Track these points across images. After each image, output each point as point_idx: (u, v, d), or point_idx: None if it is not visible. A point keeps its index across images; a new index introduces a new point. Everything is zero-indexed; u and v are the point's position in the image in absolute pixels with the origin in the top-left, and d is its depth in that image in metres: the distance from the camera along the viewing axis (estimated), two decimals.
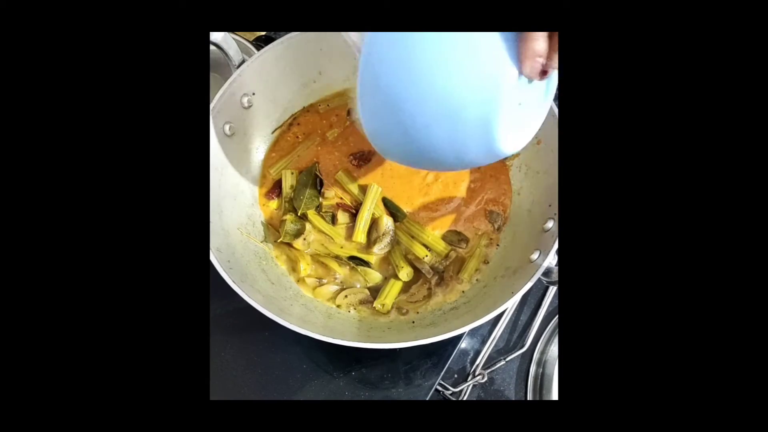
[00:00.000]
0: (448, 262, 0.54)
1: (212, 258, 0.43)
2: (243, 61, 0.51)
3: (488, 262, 0.54)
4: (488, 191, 0.57)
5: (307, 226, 0.54)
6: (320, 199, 0.56)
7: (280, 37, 0.52)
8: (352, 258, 0.54)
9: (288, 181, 0.56)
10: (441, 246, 0.54)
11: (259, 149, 0.57)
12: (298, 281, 0.54)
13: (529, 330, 0.57)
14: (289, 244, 0.55)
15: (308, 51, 0.53)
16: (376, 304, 0.52)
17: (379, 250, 0.54)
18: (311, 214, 0.55)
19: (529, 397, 0.56)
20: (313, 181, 0.56)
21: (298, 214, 0.55)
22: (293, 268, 0.55)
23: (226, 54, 0.50)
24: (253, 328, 0.54)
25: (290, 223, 0.54)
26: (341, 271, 0.54)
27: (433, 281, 0.53)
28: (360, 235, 0.54)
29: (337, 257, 0.54)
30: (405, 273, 0.53)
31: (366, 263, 0.54)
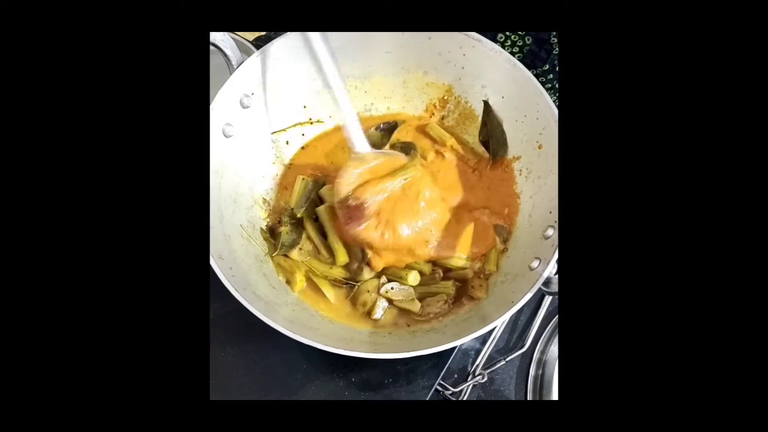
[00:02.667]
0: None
1: (214, 265, 0.43)
2: (243, 61, 0.50)
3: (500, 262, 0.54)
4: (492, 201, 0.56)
5: (303, 234, 0.54)
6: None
7: (280, 37, 0.52)
8: (347, 282, 0.53)
9: (297, 186, 0.56)
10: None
11: (258, 150, 0.57)
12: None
13: (529, 330, 0.57)
14: (286, 256, 0.54)
15: (308, 51, 0.53)
16: None
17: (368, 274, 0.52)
18: (308, 223, 0.54)
19: (529, 398, 0.56)
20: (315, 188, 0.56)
21: (297, 216, 0.54)
22: (288, 280, 0.53)
23: (225, 54, 0.50)
24: (253, 329, 0.54)
25: (285, 234, 0.53)
26: (332, 293, 0.53)
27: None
28: (341, 257, 0.52)
29: (327, 277, 0.53)
30: (412, 278, 0.52)
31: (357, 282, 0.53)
